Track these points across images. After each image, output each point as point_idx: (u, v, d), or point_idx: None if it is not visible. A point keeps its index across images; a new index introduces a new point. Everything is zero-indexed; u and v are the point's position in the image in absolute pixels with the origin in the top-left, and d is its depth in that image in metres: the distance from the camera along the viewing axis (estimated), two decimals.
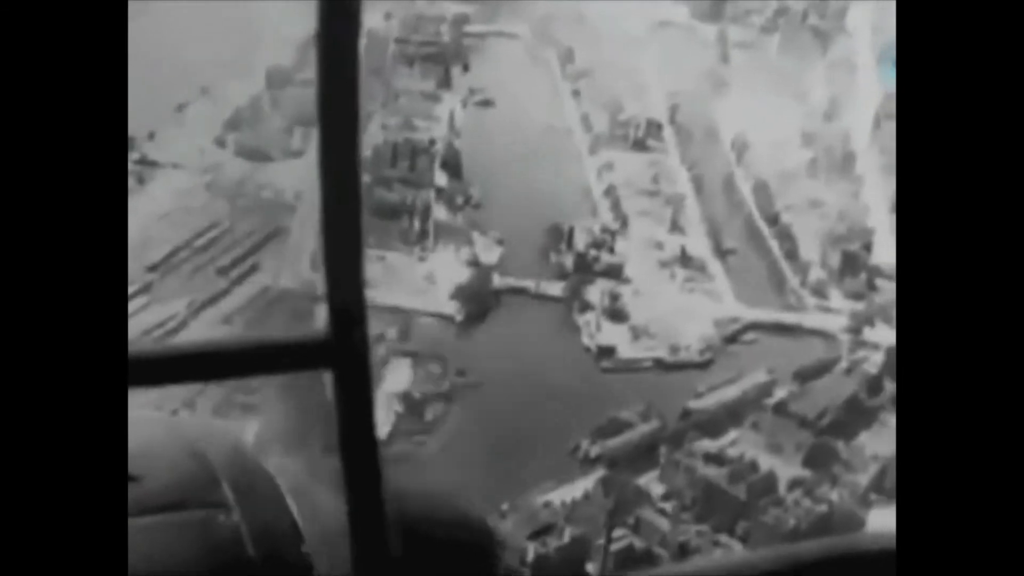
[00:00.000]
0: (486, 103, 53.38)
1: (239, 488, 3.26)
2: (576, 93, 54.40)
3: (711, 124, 54.61)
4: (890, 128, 54.46)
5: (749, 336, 48.17)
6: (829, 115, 56.02)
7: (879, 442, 45.23)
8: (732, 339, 47.97)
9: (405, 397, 43.49)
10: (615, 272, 48.54)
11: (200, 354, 3.16)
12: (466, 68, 54.33)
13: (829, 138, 54.85)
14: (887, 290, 50.01)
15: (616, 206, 50.49)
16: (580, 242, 48.67)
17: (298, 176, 46.66)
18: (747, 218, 52.17)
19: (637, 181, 51.56)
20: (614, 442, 43.30)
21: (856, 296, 49.64)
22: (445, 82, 53.24)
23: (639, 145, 53.09)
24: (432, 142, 49.59)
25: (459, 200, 49.30)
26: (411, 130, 50.39)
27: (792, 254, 50.70)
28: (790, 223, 51.55)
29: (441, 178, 49.53)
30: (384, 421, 39.99)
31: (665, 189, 51.77)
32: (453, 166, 49.91)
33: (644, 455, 42.94)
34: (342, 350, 3.21)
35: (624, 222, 50.01)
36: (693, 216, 51.14)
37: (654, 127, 53.73)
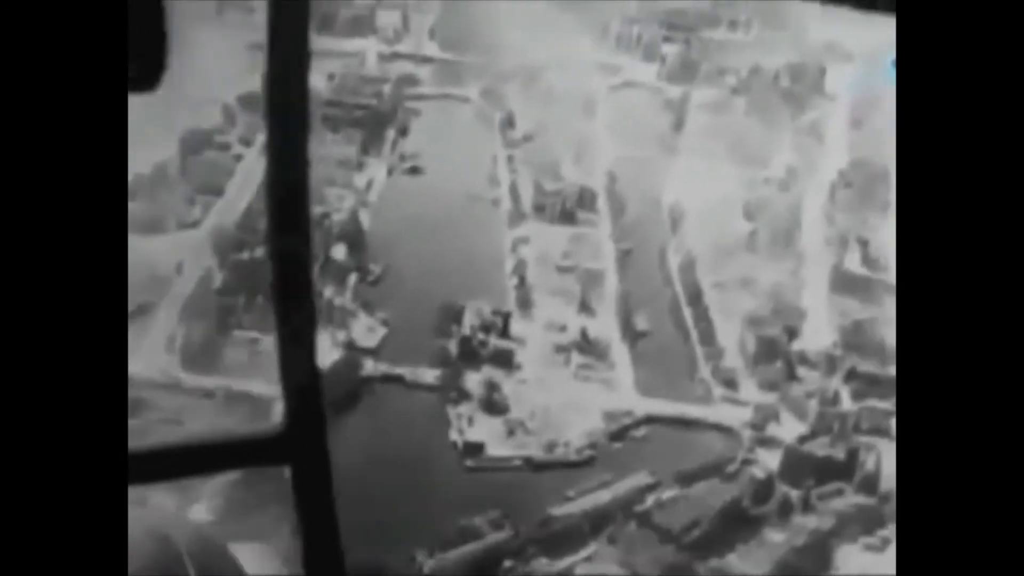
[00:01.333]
0: (415, 170, 52.33)
1: (203, 569, 3.36)
2: (511, 159, 52.81)
3: (652, 193, 52.09)
4: (845, 197, 51.18)
5: (641, 431, 45.67)
6: (784, 184, 52.79)
7: (752, 562, 42.30)
8: (620, 435, 45.46)
9: None
10: (503, 358, 46.56)
11: (156, 453, 3.42)
12: (403, 133, 53.58)
13: (777, 209, 51.72)
14: (809, 380, 46.71)
15: (522, 284, 48.79)
16: (469, 324, 46.82)
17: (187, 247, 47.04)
18: (670, 297, 49.63)
19: (554, 256, 49.73)
20: (453, 555, 41.10)
21: (770, 386, 46.71)
22: (372, 148, 52.44)
23: (567, 216, 51.15)
24: (326, 215, 48.78)
25: (352, 276, 48.42)
26: (317, 202, 49.10)
27: (708, 338, 48.00)
28: (713, 303, 48.65)
29: (339, 251, 48.84)
30: None
31: (583, 264, 49.62)
32: (354, 239, 49.19)
33: (484, 572, 40.79)
34: (299, 443, 3.51)
35: (526, 302, 48.28)
36: (609, 295, 48.89)
37: (588, 196, 51.72)
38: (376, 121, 53.03)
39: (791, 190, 52.43)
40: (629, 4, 57.53)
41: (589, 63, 55.98)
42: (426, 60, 55.95)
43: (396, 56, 55.72)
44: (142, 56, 2.72)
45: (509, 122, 53.95)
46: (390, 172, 52.38)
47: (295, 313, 3.84)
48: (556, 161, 52.46)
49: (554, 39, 55.34)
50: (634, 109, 55.14)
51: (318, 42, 52.06)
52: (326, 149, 50.87)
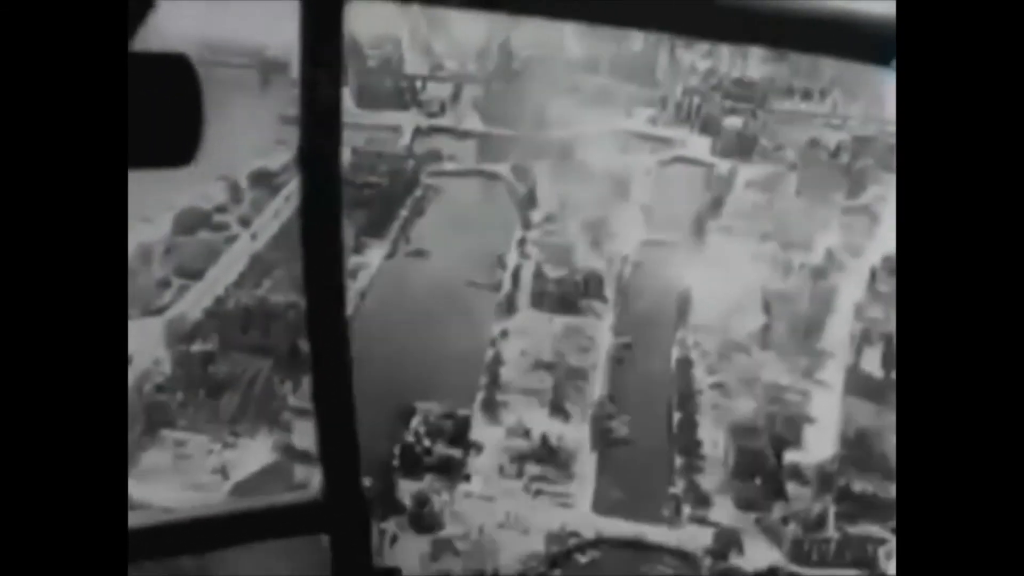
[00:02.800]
0: (419, 253, 50.89)
1: None
2: (522, 242, 50.39)
3: (671, 282, 48.76)
4: (886, 287, 46.85)
5: (587, 556, 42.02)
6: (821, 271, 48.81)
7: None
8: (562, 560, 41.70)
9: None
10: (448, 467, 43.48)
11: (192, 523, 3.84)
12: (419, 212, 52.44)
13: (802, 300, 47.64)
14: (796, 498, 42.64)
15: (493, 382, 45.75)
16: (415, 429, 44.14)
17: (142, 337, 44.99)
18: (661, 399, 45.52)
19: (538, 351, 46.80)
20: None
21: (748, 505, 42.46)
22: (376, 230, 51.20)
23: (567, 305, 48.17)
24: (290, 307, 46.49)
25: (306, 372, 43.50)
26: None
27: (691, 447, 44.00)
28: (707, 406, 44.66)
29: (305, 343, 45.81)
30: None
31: (568, 361, 46.41)
32: None
33: None
34: (338, 512, 3.86)
35: (492, 403, 45.31)
36: (590, 396, 45.54)
37: (595, 283, 48.82)
38: (386, 201, 51.66)
39: (828, 278, 48.37)
40: (694, 74, 55.32)
41: (637, 138, 53.98)
42: (466, 135, 54.76)
43: (434, 130, 54.89)
44: (177, 132, 2.84)
45: (530, 201, 51.67)
46: (391, 255, 50.80)
47: (332, 388, 4.00)
48: (571, 245, 49.60)
49: (607, 113, 54.31)
50: (676, 186, 52.27)
51: (355, 115, 54.17)
52: None
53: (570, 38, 55.70)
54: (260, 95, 53.26)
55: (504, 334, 47.67)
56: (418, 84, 56.12)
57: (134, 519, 3.07)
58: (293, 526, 3.86)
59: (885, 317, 46.50)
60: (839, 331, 46.88)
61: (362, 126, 52.48)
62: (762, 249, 49.40)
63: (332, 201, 3.54)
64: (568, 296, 48.45)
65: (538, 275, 49.02)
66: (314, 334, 3.88)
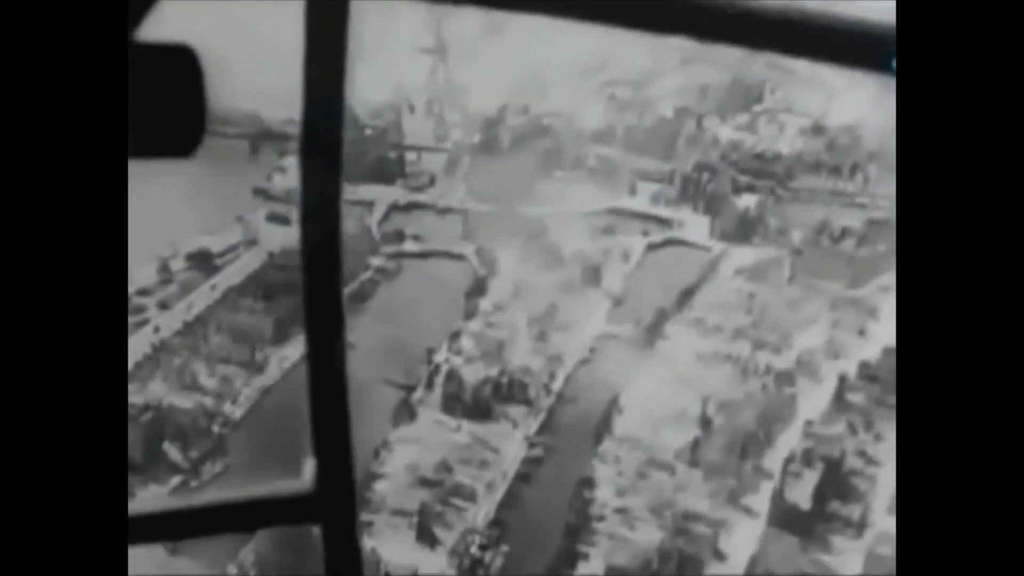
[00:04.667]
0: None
1: None
2: (456, 336, 44.98)
3: (612, 383, 42.81)
4: (857, 399, 39.54)
5: None
6: (787, 377, 42.16)
7: None
8: None
9: None
10: None
11: (177, 513, 4.12)
12: (361, 299, 47.09)
13: (753, 411, 40.98)
14: None
15: (362, 500, 39.47)
16: None
17: None
18: (558, 526, 39.14)
19: (424, 466, 41.55)
20: None
21: None
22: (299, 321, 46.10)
23: (480, 411, 42.64)
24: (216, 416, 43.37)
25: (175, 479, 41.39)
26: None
27: None
28: (601, 537, 38.18)
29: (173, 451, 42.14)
30: None
31: (461, 478, 40.97)
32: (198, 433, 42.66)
33: None
34: (329, 503, 4.15)
35: None
36: (470, 522, 39.90)
37: (519, 386, 43.04)
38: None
39: (794, 385, 41.89)
40: (715, 147, 49.45)
41: (632, 217, 48.60)
42: (446, 211, 50.29)
43: (414, 206, 50.60)
44: (180, 123, 3.11)
45: (479, 288, 46.71)
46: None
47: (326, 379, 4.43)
48: (510, 340, 44.42)
49: (605, 189, 49.57)
50: (658, 273, 46.76)
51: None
52: (240, 318, 47.50)
53: (592, 105, 50.58)
54: (243, 165, 50.57)
55: (386, 444, 42.35)
56: (413, 156, 51.89)
57: (133, 506, 3.38)
58: (285, 516, 4.22)
59: (838, 436, 39.22)
60: (784, 449, 39.79)
61: None
62: (728, 348, 43.03)
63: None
64: (483, 400, 42.85)
65: (451, 375, 43.65)
66: (310, 320, 4.38)
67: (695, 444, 40.17)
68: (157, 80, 3.02)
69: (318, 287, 4.17)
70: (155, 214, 43.39)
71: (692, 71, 50.48)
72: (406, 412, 43.25)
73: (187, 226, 48.54)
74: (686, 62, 50.65)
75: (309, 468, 4.11)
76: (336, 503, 4.02)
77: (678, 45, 49.86)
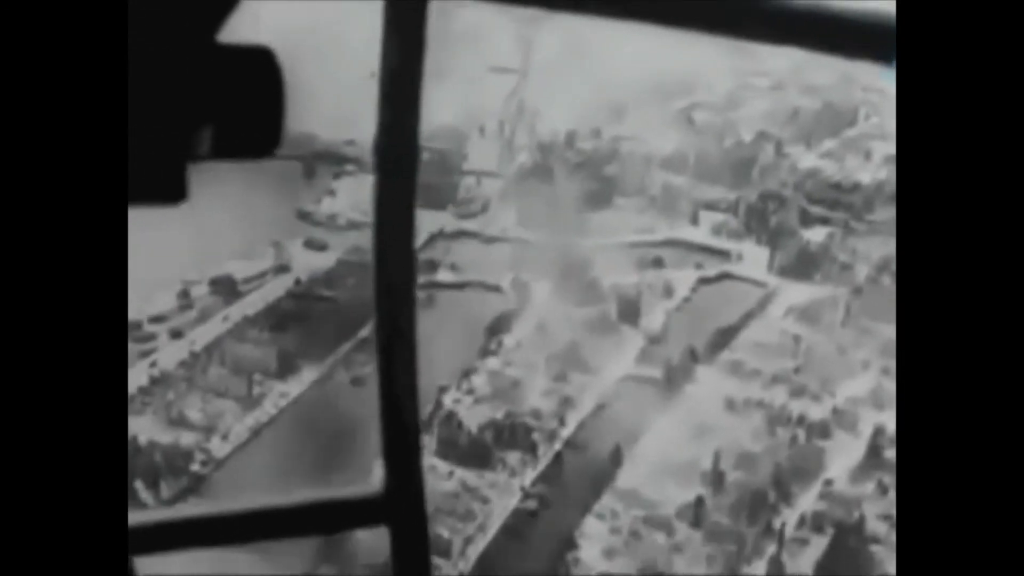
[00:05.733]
0: (356, 381, 42.48)
1: None
2: (469, 375, 41.14)
3: (628, 430, 38.81)
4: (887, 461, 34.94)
5: None
6: (822, 429, 37.80)
7: None
8: None
9: None
10: None
11: (252, 515, 4.23)
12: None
13: (771, 466, 36.74)
14: None
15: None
16: None
17: None
18: None
19: None
20: None
21: None
22: (314, 352, 43.51)
23: (479, 458, 38.98)
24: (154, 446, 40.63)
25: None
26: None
27: None
28: None
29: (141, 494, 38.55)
30: None
31: (440, 530, 36.06)
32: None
33: None
34: (399, 505, 4.26)
35: None
36: None
37: (523, 431, 39.14)
38: (343, 319, 43.73)
39: (829, 437, 37.61)
40: (792, 174, 45.32)
41: (688, 249, 44.81)
42: (493, 239, 46.70)
43: (461, 234, 47.14)
44: (259, 125, 3.16)
45: (496, 328, 42.78)
46: (322, 380, 43.72)
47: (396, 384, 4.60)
48: (525, 379, 40.57)
49: (664, 218, 46.19)
50: (705, 310, 42.75)
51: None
52: (244, 349, 44.50)
53: (668, 129, 46.83)
54: (293, 187, 48.34)
55: None
56: (471, 180, 48.58)
57: (205, 508, 4.07)
58: (354, 519, 4.46)
59: (860, 497, 34.16)
60: (800, 510, 34.87)
61: (365, 225, 45.44)
62: (762, 394, 38.82)
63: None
64: (482, 445, 38.82)
65: (450, 418, 39.80)
66: (381, 332, 4.42)
67: (698, 502, 35.33)
68: (237, 81, 3.04)
69: (391, 302, 4.23)
70: (193, 237, 41.31)
71: (781, 95, 46.57)
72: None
73: (224, 250, 46.02)
74: (776, 87, 46.83)
75: (378, 471, 4.13)
76: (405, 506, 4.07)
77: (768, 69, 46.30)
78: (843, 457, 36.71)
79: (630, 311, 42.29)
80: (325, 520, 4.31)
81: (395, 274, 4.26)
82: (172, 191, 3.09)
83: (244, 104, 3.09)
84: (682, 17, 3.91)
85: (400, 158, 4.20)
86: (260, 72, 3.13)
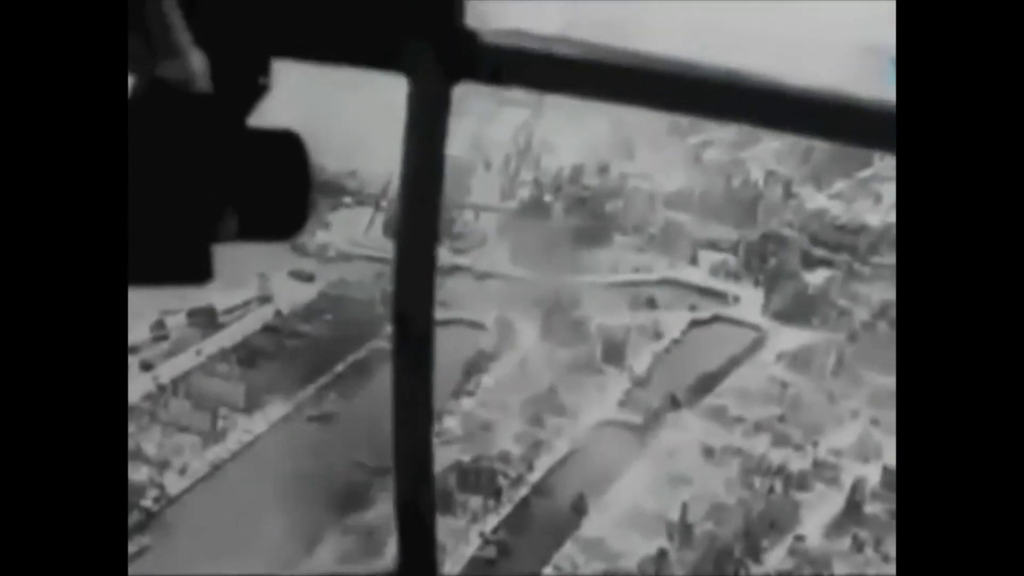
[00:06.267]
0: (323, 418, 42.31)
1: None
2: (440, 416, 38.87)
3: (596, 478, 36.97)
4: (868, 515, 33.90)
5: None
6: (801, 481, 35.73)
7: None
8: None
9: None
10: None
11: None
12: (359, 373, 42.32)
13: (741, 520, 34.68)
14: None
15: None
16: None
17: None
18: None
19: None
20: None
21: None
22: (283, 389, 42.11)
23: (441, 503, 35.29)
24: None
25: None
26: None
27: None
28: None
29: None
30: None
31: None
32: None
33: None
34: None
35: None
36: None
37: (487, 476, 37.48)
38: (318, 355, 43.11)
39: (808, 489, 35.74)
40: (798, 215, 43.83)
41: (683, 289, 43.22)
42: (485, 276, 45.13)
43: (456, 270, 45.55)
44: (285, 207, 3.30)
45: (475, 367, 41.00)
46: (288, 418, 42.19)
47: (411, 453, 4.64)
48: (500, 422, 38.85)
49: (659, 257, 44.66)
50: (693, 354, 40.85)
51: (364, 243, 46.51)
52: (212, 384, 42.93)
53: (677, 166, 45.30)
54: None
55: (320, 539, 37.20)
56: (470, 215, 47.11)
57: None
58: None
59: (830, 555, 32.08)
60: (767, 566, 32.83)
61: (356, 258, 44.76)
62: (743, 443, 36.87)
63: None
64: (444, 490, 36.93)
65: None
66: (398, 403, 4.52)
67: (660, 555, 33.35)
68: (264, 165, 3.16)
69: (407, 351, 4.20)
70: None
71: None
72: (356, 500, 37.52)
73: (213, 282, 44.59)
74: None
75: (392, 550, 4.12)
76: None
77: None
78: (820, 511, 34.64)
79: (616, 353, 40.47)
80: None
81: (411, 325, 4.22)
82: (197, 272, 3.16)
83: (270, 187, 3.19)
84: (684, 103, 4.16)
85: (425, 192, 4.22)
86: (287, 156, 3.22)
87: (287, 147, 3.28)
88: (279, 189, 3.27)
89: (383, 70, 4.29)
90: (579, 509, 35.87)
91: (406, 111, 4.21)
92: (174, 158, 2.96)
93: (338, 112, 37.81)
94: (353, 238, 46.54)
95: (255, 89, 3.37)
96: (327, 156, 44.96)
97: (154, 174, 2.88)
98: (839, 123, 3.90)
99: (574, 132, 46.64)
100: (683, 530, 34.10)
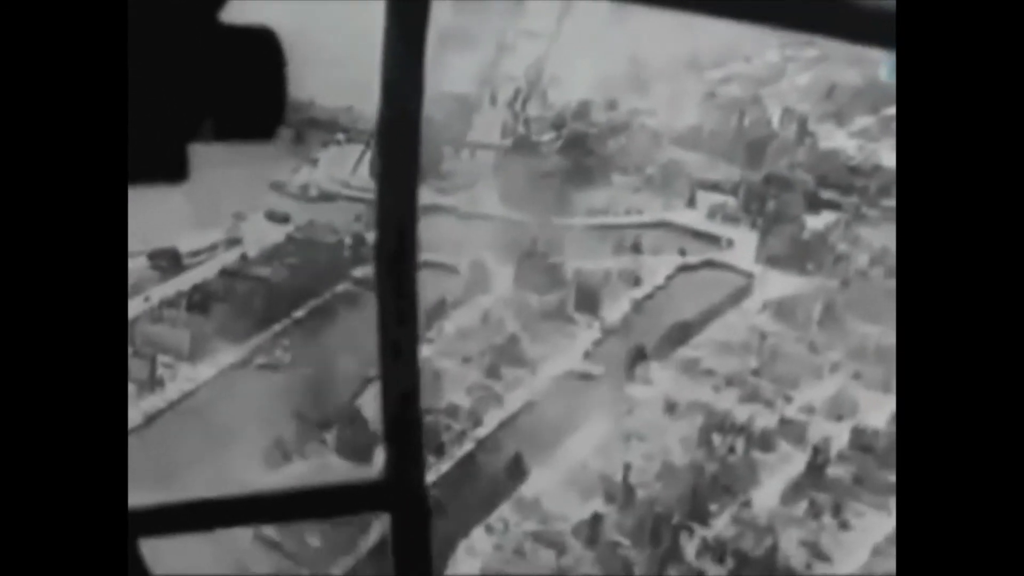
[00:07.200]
0: (271, 366, 40.31)
1: None
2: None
3: (547, 433, 33.92)
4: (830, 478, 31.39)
5: None
6: (765, 440, 32.88)
7: None
8: None
9: None
10: None
11: (255, 499, 4.37)
12: (326, 315, 41.05)
13: (690, 480, 31.71)
14: None
15: None
16: None
17: None
18: None
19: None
20: None
21: None
22: (238, 333, 40.04)
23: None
24: None
25: None
26: None
27: None
28: None
29: None
30: None
31: (311, 540, 33.30)
32: None
33: None
34: (400, 492, 4.32)
35: None
36: None
37: (430, 431, 33.31)
38: (276, 301, 41.04)
39: (773, 449, 32.80)
40: (812, 154, 40.80)
41: (676, 232, 40.56)
42: (469, 216, 42.39)
43: (435, 210, 42.82)
44: (260, 106, 3.26)
45: (437, 313, 37.99)
46: (238, 365, 39.97)
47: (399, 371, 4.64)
48: (453, 373, 36.02)
49: (657, 198, 42.08)
50: (673, 302, 37.94)
51: (348, 183, 43.91)
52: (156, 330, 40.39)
53: (690, 103, 42.44)
54: (273, 154, 44.98)
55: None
56: (465, 154, 44.43)
57: (206, 492, 3.97)
58: (357, 504, 4.47)
59: (783, 521, 28.84)
60: (710, 532, 29.70)
61: (339, 198, 42.74)
62: (709, 398, 34.19)
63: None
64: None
65: (355, 416, 35.74)
66: (383, 320, 4.42)
67: (595, 519, 30.26)
68: (238, 63, 3.08)
69: (392, 285, 4.23)
70: (153, 203, 37.76)
71: (825, 69, 41.78)
72: (279, 453, 35.11)
73: (182, 220, 42.44)
74: (822, 59, 42.02)
75: (380, 458, 4.19)
76: (407, 492, 4.10)
77: (815, 41, 41.69)
78: (780, 473, 31.45)
79: (590, 300, 37.42)
80: (326, 505, 4.29)
81: (397, 256, 4.18)
82: (173, 170, 3.09)
83: (246, 85, 3.09)
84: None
85: (402, 141, 4.14)
86: (262, 53, 3.10)
87: (262, 43, 3.05)
88: (254, 87, 3.08)
89: None
90: (519, 468, 32.82)
91: (384, 22, 4.02)
92: (147, 55, 2.84)
93: (331, 42, 35.93)
94: (338, 177, 44.26)
95: None
96: (320, 89, 42.83)
97: (128, 72, 2.71)
98: (835, 17, 3.82)
99: (588, 66, 44.38)
100: (625, 492, 30.82)
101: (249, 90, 3.11)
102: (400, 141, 4.16)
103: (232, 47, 3.08)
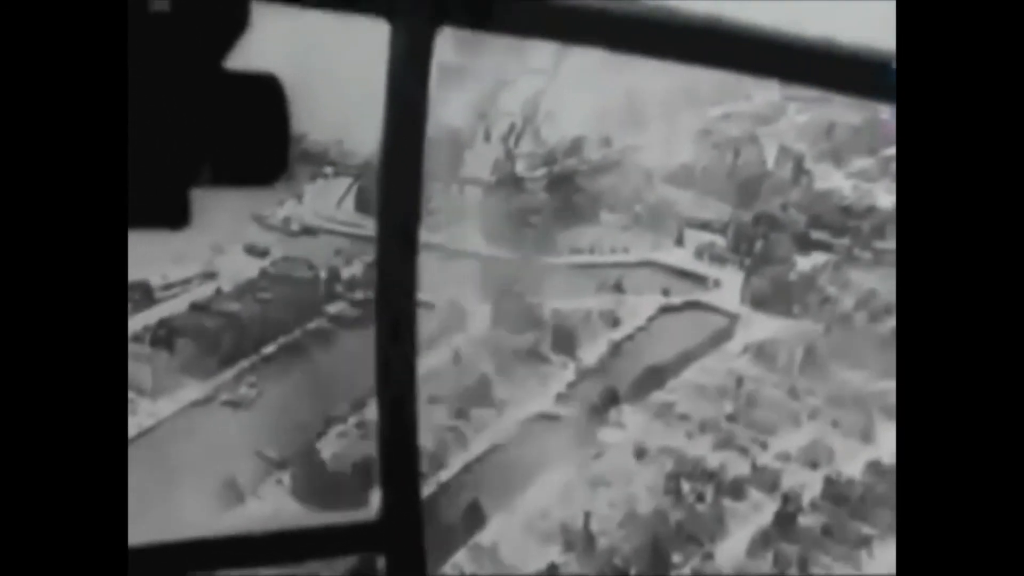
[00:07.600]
0: (234, 404, 39.68)
1: None
2: (360, 406, 35.88)
3: (513, 478, 32.96)
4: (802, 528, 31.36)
5: None
6: (735, 488, 32.12)
7: None
8: None
9: None
10: None
11: (246, 539, 4.27)
12: (296, 352, 40.26)
13: (651, 530, 30.98)
14: None
15: None
16: None
17: None
18: None
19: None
20: None
21: None
22: (204, 369, 39.06)
23: (338, 500, 33.06)
24: None
25: None
26: None
27: None
28: None
29: None
30: None
31: None
32: None
33: None
34: (395, 533, 4.34)
35: None
36: None
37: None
38: (244, 338, 40.27)
39: (743, 498, 31.96)
40: (806, 194, 40.02)
41: (662, 272, 39.76)
42: (456, 254, 41.52)
43: (424, 247, 41.66)
44: (264, 151, 3.29)
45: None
46: (200, 403, 39.32)
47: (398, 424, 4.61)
48: (421, 413, 34.79)
49: (645, 238, 41.37)
50: (651, 344, 37.08)
51: (333, 217, 43.06)
52: None
53: (684, 141, 41.63)
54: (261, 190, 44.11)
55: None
56: (454, 189, 43.81)
57: (198, 532, 3.87)
58: (351, 545, 4.33)
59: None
60: None
61: (321, 232, 43.08)
62: (681, 443, 33.24)
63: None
64: (344, 486, 33.65)
65: (311, 455, 34.67)
66: (381, 356, 4.30)
67: (551, 570, 29.12)
68: (242, 109, 3.10)
69: (392, 321, 4.17)
70: (131, 235, 37.15)
71: (825, 108, 40.85)
72: (232, 494, 34.38)
73: (162, 251, 41.92)
74: (823, 98, 41.15)
75: (376, 498, 4.11)
76: (402, 533, 4.06)
77: None
78: (748, 525, 30.20)
79: (567, 341, 36.36)
80: (321, 545, 4.10)
81: (397, 297, 4.17)
82: (173, 216, 3.09)
83: (249, 131, 3.09)
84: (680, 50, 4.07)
85: (404, 177, 4.12)
86: (266, 99, 3.12)
87: (265, 90, 3.08)
88: (258, 133, 3.09)
89: (364, 13, 4.11)
90: (477, 515, 31.70)
91: (388, 56, 4.04)
92: (150, 100, 2.86)
93: (329, 79, 35.16)
94: (323, 211, 43.41)
95: (232, 26, 3.05)
96: (314, 123, 42.01)
97: (129, 116, 2.72)
98: (833, 71, 3.91)
99: (585, 101, 43.79)
100: (586, 540, 29.58)
101: (252, 137, 3.08)
102: (402, 173, 4.10)
103: (236, 93, 3.06)
